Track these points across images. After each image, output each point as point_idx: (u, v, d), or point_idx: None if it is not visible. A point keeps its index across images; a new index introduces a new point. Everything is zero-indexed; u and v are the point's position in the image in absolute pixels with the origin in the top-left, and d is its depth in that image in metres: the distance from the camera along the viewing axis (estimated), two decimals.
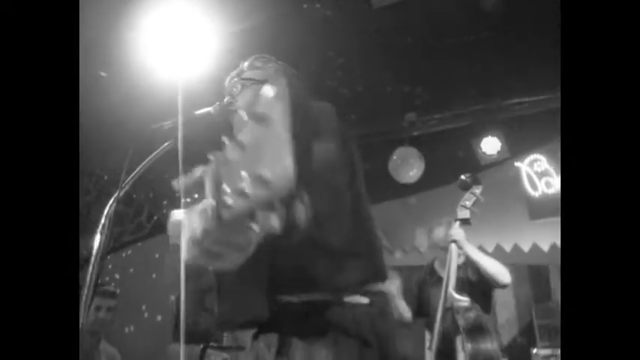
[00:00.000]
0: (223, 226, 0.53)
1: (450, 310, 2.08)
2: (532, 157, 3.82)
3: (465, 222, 2.28)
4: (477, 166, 3.67)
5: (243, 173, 0.48)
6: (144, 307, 4.30)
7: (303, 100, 1.24)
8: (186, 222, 0.61)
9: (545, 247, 3.63)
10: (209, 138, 1.53)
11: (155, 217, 4.48)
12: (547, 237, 3.63)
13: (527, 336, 3.18)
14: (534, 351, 2.99)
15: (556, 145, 3.74)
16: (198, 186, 0.61)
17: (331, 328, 1.01)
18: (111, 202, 1.32)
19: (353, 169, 1.13)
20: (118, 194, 1.31)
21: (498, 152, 3.67)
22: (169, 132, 1.42)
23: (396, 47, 3.47)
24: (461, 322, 1.98)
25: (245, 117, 0.49)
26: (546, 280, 3.77)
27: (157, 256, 4.36)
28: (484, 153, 3.70)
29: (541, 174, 3.75)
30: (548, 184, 3.71)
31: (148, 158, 1.37)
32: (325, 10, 3.23)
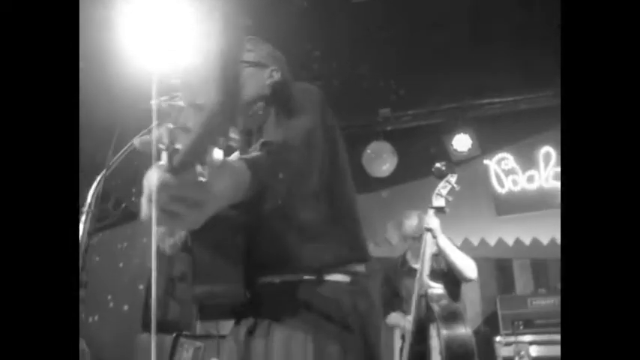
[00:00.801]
0: (176, 176, 0.54)
1: (424, 297, 2.14)
2: (500, 155, 3.97)
3: (440, 210, 2.30)
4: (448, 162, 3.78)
5: (184, 107, 0.50)
6: (109, 297, 4.19)
7: (288, 81, 1.23)
8: (145, 182, 0.62)
9: (510, 242, 3.80)
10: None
11: (123, 205, 4.36)
12: (512, 232, 3.80)
13: (491, 325, 3.32)
14: (498, 339, 3.13)
15: (523, 145, 3.92)
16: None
17: (312, 307, 1.00)
18: (98, 179, 1.30)
19: (334, 150, 1.14)
20: (105, 172, 1.29)
21: (469, 149, 3.79)
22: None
23: (373, 42, 3.51)
24: (436, 308, 2.04)
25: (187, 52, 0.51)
26: (510, 273, 3.95)
27: (124, 244, 4.25)
28: (455, 150, 3.81)
29: (508, 172, 3.91)
30: (514, 182, 3.88)
31: (131, 141, 1.35)
32: (303, 1, 3.22)
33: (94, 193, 1.28)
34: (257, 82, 1.29)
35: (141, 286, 3.91)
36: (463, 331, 1.96)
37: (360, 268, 1.11)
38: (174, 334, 2.77)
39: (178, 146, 0.52)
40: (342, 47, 3.57)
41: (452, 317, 1.99)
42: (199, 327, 3.26)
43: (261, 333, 1.04)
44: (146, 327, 3.41)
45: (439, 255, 2.39)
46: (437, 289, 2.15)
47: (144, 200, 0.62)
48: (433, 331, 2.04)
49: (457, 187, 2.30)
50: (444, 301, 2.10)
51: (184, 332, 2.93)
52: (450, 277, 2.37)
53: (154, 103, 1.40)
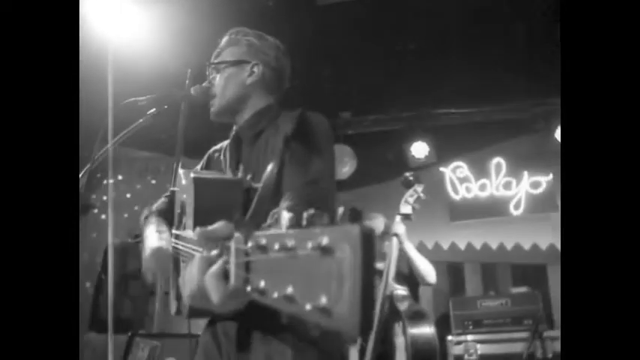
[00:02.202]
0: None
1: (389, 298, 2.24)
2: (455, 163, 4.16)
3: (406, 217, 2.41)
4: (405, 168, 3.91)
5: (290, 289, 0.44)
6: None
7: (300, 114, 1.17)
8: (195, 276, 0.64)
9: (462, 246, 4.02)
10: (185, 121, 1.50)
11: None
12: (464, 237, 4.01)
13: (443, 325, 3.47)
14: (449, 338, 3.30)
15: (477, 154, 4.14)
16: (214, 240, 0.64)
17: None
18: (82, 173, 1.25)
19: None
20: (91, 166, 1.26)
21: (426, 156, 3.93)
22: (144, 108, 1.38)
23: (336, 45, 3.56)
24: (402, 308, 2.15)
25: (309, 247, 0.43)
26: (461, 276, 4.16)
27: None
28: (413, 156, 3.95)
29: (462, 179, 4.11)
30: (468, 189, 4.09)
31: (122, 133, 1.32)
32: (268, 1, 3.21)
33: (80, 187, 1.24)
34: (237, 82, 1.29)
35: (88, 284, 3.73)
36: (427, 329, 2.07)
37: None
38: (129, 334, 2.66)
39: (266, 290, 0.48)
40: (306, 49, 3.59)
41: (418, 317, 2.10)
42: (155, 325, 3.17)
43: (241, 343, 1.04)
44: (94, 326, 3.26)
45: (402, 258, 2.49)
46: (401, 290, 2.26)
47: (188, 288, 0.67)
48: (398, 330, 2.13)
49: (423, 196, 2.42)
50: (409, 302, 2.21)
51: (140, 331, 2.83)
52: (410, 279, 2.50)
53: (136, 100, 1.36)
